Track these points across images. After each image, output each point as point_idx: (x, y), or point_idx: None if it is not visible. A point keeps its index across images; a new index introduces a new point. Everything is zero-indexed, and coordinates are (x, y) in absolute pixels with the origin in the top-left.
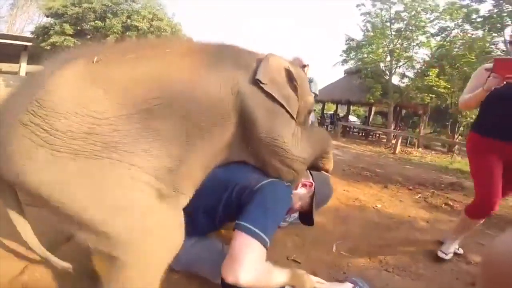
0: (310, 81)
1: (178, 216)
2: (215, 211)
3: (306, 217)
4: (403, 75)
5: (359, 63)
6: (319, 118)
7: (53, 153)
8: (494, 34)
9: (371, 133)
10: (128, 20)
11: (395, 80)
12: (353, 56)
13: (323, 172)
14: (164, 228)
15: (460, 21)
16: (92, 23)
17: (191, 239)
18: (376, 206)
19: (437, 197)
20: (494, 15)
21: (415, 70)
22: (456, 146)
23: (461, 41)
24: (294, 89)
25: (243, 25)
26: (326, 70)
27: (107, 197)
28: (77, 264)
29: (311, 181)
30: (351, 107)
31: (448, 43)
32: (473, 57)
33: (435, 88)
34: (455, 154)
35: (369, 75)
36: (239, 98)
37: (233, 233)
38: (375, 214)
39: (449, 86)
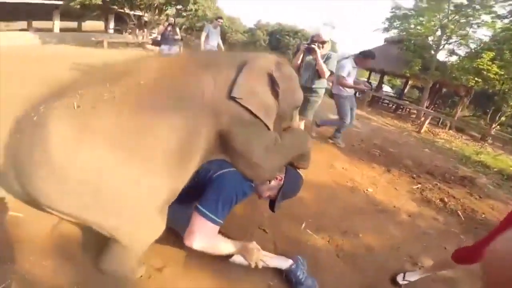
0: (328, 57)
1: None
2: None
3: (272, 204)
4: (451, 52)
5: (403, 33)
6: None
7: None
8: None
9: (401, 107)
10: None
11: (441, 56)
12: (397, 25)
13: (297, 171)
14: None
15: None
16: None
17: (177, 202)
18: (367, 190)
19: (436, 191)
20: None
21: (468, 50)
22: (491, 136)
23: None
24: (276, 94)
25: None
26: (365, 35)
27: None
28: None
29: (282, 176)
30: (386, 77)
31: None
32: None
33: (485, 72)
34: (486, 144)
35: (412, 48)
36: (216, 119)
37: (193, 212)
38: (362, 199)
39: (502, 73)
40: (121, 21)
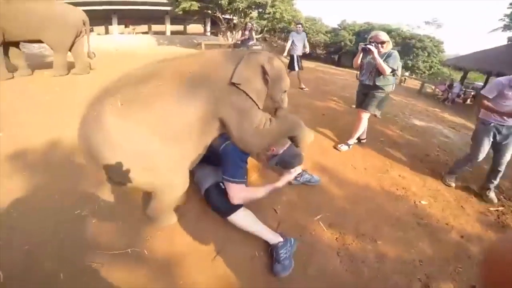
0: (388, 55)
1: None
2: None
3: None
4: None
5: None
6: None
7: None
8: None
9: None
10: None
11: None
12: None
13: (296, 148)
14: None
15: None
16: None
17: (199, 166)
18: (419, 201)
19: None
20: None
21: None
22: None
23: None
24: (266, 82)
25: None
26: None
27: None
28: None
29: (278, 149)
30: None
31: None
32: None
33: None
34: None
35: None
36: (218, 106)
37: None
38: (406, 209)
39: None
40: (216, 24)
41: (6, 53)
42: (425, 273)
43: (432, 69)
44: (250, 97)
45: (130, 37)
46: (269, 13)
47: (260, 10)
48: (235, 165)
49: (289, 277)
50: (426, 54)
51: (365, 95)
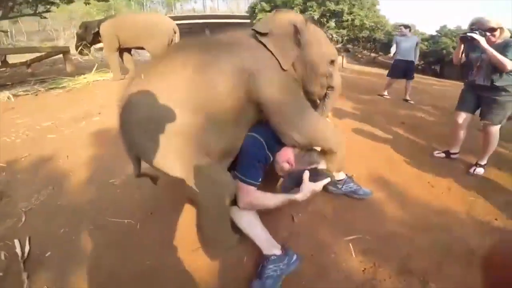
0: (507, 45)
1: None
2: None
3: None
4: None
5: None
6: None
7: None
8: None
9: None
10: None
11: None
12: None
13: (322, 171)
14: None
15: None
16: None
17: None
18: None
19: None
20: None
21: None
22: None
23: None
24: (298, 42)
25: None
26: None
27: None
28: None
29: (294, 163)
30: None
31: None
32: None
33: None
34: None
35: None
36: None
37: None
38: (469, 233)
39: None
40: None
41: (120, 58)
42: None
43: None
44: (269, 50)
45: None
46: (347, 21)
47: (337, 18)
48: (249, 163)
49: None
50: None
51: (479, 98)
